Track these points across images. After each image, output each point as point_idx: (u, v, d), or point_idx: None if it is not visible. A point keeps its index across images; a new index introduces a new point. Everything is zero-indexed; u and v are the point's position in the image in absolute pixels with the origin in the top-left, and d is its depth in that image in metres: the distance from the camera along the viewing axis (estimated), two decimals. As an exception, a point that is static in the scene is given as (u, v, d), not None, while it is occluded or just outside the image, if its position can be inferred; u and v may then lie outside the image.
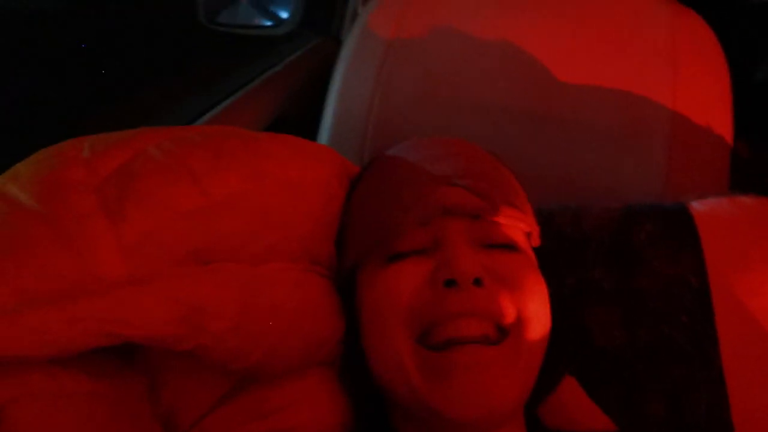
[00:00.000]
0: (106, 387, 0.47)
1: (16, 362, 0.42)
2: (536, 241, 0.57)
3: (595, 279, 0.65)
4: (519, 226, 0.54)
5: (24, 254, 0.44)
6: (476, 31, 0.90)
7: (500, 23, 0.89)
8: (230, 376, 0.54)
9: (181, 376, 0.53)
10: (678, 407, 0.60)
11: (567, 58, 0.86)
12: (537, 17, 0.90)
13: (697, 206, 0.70)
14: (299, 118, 0.95)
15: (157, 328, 0.45)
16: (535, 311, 0.50)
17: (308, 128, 0.92)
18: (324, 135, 0.92)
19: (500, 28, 0.89)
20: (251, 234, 0.51)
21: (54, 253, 0.44)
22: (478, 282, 0.47)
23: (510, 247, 0.52)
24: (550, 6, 0.91)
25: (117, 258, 0.46)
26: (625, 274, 0.65)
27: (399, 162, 0.58)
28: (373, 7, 0.98)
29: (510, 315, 0.48)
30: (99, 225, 0.47)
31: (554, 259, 0.60)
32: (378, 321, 0.50)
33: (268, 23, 1.23)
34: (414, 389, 0.47)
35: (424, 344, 0.48)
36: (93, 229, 0.46)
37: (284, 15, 1.21)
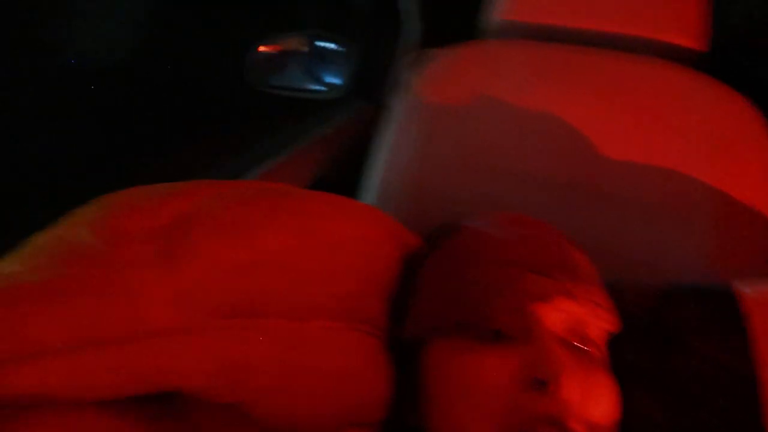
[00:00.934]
0: (144, 429, 0.47)
1: (59, 402, 0.43)
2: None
3: (631, 359, 0.63)
4: (602, 326, 0.53)
5: (81, 298, 0.45)
6: (520, 101, 0.90)
7: (544, 94, 0.90)
8: None
9: (211, 429, 0.51)
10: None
11: (609, 133, 0.86)
12: (581, 90, 0.91)
13: (743, 289, 0.68)
14: (339, 181, 0.97)
15: (200, 380, 0.45)
16: (603, 416, 0.49)
17: (346, 192, 0.93)
18: (368, 199, 0.94)
19: (544, 100, 0.90)
20: (294, 290, 0.51)
21: (108, 300, 0.45)
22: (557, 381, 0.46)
23: (591, 345, 0.51)
24: (594, 80, 0.92)
25: (166, 307, 0.46)
26: (663, 356, 0.63)
27: (484, 238, 0.56)
28: (419, 73, 1.00)
29: (584, 422, 0.47)
30: (153, 273, 0.47)
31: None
32: (458, 408, 0.48)
33: (319, 88, 1.27)
34: None
35: None
36: (147, 277, 0.47)
37: (335, 80, 1.25)
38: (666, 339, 0.63)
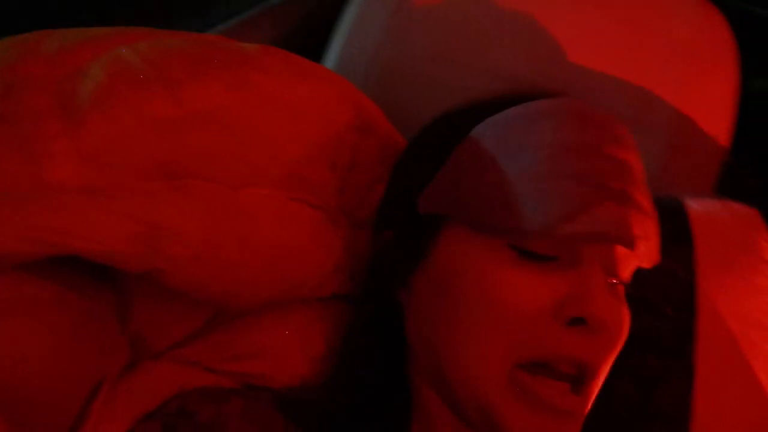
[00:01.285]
0: (73, 298, 0.45)
1: None
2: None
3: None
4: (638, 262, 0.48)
5: None
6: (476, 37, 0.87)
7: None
8: (202, 312, 0.52)
9: (153, 303, 0.50)
10: (648, 394, 0.62)
11: (586, 38, 0.85)
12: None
13: (692, 204, 0.71)
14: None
15: (106, 244, 0.42)
16: (609, 365, 0.46)
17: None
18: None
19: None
20: (231, 152, 0.48)
21: (5, 154, 0.42)
22: (599, 329, 0.42)
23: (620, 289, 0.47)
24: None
25: (72, 164, 0.43)
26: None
27: (580, 134, 0.44)
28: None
29: (603, 369, 0.45)
30: (53, 127, 0.43)
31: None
32: (471, 318, 0.42)
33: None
34: (486, 401, 0.42)
35: (518, 362, 0.42)
36: (46, 130, 0.43)
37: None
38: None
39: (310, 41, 0.94)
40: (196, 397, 0.46)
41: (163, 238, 0.44)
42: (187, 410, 0.44)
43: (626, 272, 0.47)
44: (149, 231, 0.43)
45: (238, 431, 0.44)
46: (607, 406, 0.60)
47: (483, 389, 0.42)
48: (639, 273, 0.65)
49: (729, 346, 0.64)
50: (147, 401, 0.47)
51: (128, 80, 0.46)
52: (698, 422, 0.61)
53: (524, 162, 0.43)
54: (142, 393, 0.47)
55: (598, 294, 0.42)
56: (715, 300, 0.64)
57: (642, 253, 0.46)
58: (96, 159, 0.44)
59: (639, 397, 0.61)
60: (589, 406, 0.45)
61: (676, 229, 0.67)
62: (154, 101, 0.46)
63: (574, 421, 0.44)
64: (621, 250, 0.45)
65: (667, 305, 0.63)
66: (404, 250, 0.47)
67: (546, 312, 0.42)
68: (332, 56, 0.90)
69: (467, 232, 0.44)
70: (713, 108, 0.84)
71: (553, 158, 0.43)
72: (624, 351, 0.62)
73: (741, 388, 0.63)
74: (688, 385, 0.62)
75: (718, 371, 0.63)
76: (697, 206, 0.71)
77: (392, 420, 0.48)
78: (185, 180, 0.46)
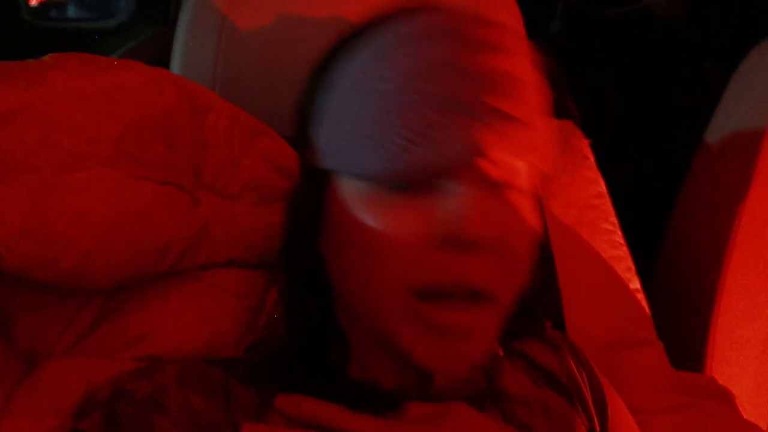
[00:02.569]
0: None
1: None
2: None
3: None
4: (537, 168, 0.44)
5: None
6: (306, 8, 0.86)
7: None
8: (83, 307, 0.53)
9: (35, 315, 0.52)
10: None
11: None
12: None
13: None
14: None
15: None
16: (521, 272, 0.44)
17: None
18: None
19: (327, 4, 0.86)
20: (43, 143, 0.49)
21: None
22: (476, 246, 0.40)
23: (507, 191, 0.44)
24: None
25: None
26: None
27: (431, 52, 0.42)
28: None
29: (496, 282, 0.42)
30: None
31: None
32: (366, 258, 0.43)
33: (101, 15, 1.21)
34: (391, 330, 0.43)
35: (414, 293, 0.42)
36: None
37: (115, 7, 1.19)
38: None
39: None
40: (128, 377, 0.45)
41: None
42: (122, 390, 0.44)
43: (515, 178, 0.43)
44: None
45: (179, 394, 0.44)
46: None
47: (387, 320, 0.43)
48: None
49: (572, 228, 0.76)
50: (50, 393, 0.48)
51: None
52: (565, 295, 0.72)
53: (373, 101, 0.42)
54: (43, 386, 0.48)
55: (464, 211, 0.40)
56: (554, 194, 0.77)
57: (527, 156, 0.43)
58: None
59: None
60: (495, 323, 0.43)
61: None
62: None
63: (476, 340, 0.43)
64: (497, 158, 0.41)
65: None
66: (306, 203, 0.48)
67: (420, 239, 0.41)
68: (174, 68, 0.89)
69: (342, 178, 0.44)
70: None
71: (400, 90, 0.41)
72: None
73: (590, 259, 0.76)
74: (551, 270, 0.73)
75: (569, 251, 0.75)
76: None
77: (332, 362, 0.48)
78: (3, 176, 0.47)
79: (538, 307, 0.69)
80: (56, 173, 0.49)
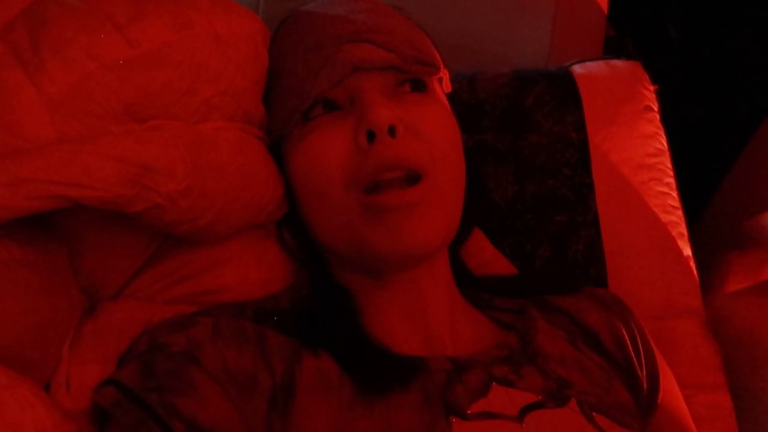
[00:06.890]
0: (36, 255, 0.45)
1: None
2: (448, 87, 0.59)
3: (491, 140, 0.70)
4: (427, 71, 0.54)
5: None
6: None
7: None
8: (149, 243, 0.53)
9: (99, 247, 0.51)
10: (561, 248, 0.69)
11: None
12: None
13: (578, 69, 0.76)
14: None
15: (108, 189, 0.43)
16: (447, 153, 0.52)
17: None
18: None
19: None
20: (186, 88, 0.48)
21: None
22: (392, 131, 0.48)
23: (421, 92, 0.53)
24: None
25: (42, 114, 0.42)
26: (516, 135, 0.71)
27: (310, 21, 0.55)
28: None
29: (425, 160, 0.50)
30: (13, 76, 0.42)
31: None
32: (315, 184, 0.51)
33: None
34: (355, 233, 0.50)
35: (359, 191, 0.49)
36: (7, 80, 0.42)
37: None
38: (519, 121, 0.71)
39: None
40: (163, 330, 0.47)
41: (155, 175, 0.45)
42: (158, 343, 0.46)
43: (411, 84, 0.53)
44: (141, 171, 0.44)
45: (213, 350, 0.45)
46: (530, 270, 0.68)
47: (349, 226, 0.50)
48: (538, 143, 0.71)
49: (622, 188, 0.71)
50: (115, 341, 0.48)
51: (75, 23, 0.45)
52: (610, 262, 0.69)
53: (290, 63, 0.53)
54: (108, 333, 0.49)
55: (374, 107, 0.49)
56: (606, 151, 0.71)
57: (419, 64, 0.53)
58: (64, 107, 0.43)
59: (553, 253, 0.68)
60: (435, 200, 0.50)
61: (565, 95, 0.73)
62: (107, 43, 0.45)
63: (421, 210, 0.49)
64: (394, 74, 0.52)
65: (564, 167, 0.70)
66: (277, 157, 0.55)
67: (351, 143, 0.49)
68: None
69: (293, 132, 0.53)
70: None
71: (305, 50, 0.52)
72: (533, 216, 0.69)
73: (640, 223, 0.71)
74: (594, 231, 0.69)
75: (617, 214, 0.70)
76: (582, 70, 0.76)
77: (345, 314, 0.53)
78: (153, 121, 0.46)
79: (579, 270, 0.67)
80: (192, 122, 0.49)
